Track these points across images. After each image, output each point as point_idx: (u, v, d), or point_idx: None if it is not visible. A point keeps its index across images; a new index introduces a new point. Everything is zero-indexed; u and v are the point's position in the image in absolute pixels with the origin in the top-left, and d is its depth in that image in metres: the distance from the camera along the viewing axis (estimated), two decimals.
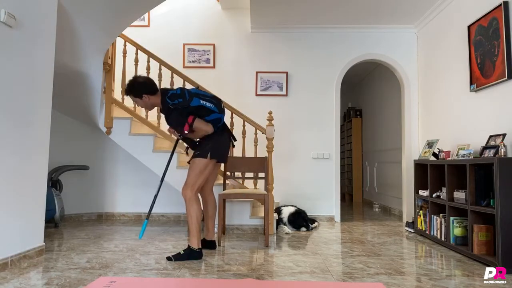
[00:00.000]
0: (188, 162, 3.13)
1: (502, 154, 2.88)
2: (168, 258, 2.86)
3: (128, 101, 4.59)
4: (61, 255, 2.96)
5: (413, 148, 5.02)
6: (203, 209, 3.27)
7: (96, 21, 3.49)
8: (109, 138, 4.35)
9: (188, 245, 2.94)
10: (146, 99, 2.96)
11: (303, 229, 4.21)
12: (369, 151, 7.64)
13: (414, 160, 4.18)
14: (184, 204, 3.03)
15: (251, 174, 4.26)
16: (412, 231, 4.18)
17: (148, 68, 4.46)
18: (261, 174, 4.05)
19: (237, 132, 4.44)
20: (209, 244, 3.24)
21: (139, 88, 2.92)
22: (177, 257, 2.86)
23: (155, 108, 4.44)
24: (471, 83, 3.69)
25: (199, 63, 5.34)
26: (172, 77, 4.46)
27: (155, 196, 3.18)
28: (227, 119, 4.93)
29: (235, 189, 4.14)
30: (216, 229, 3.61)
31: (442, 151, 3.76)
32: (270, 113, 4.19)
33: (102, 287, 2.18)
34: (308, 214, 4.79)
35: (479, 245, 2.98)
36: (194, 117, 2.96)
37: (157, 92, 2.98)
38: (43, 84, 2.95)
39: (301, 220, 4.27)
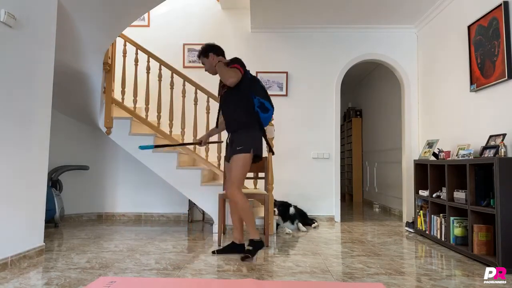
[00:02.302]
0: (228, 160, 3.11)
1: (502, 154, 2.88)
2: (246, 258, 2.86)
3: (128, 101, 4.60)
4: (61, 255, 2.96)
5: (413, 148, 5.02)
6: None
7: (96, 21, 3.49)
8: (109, 138, 4.35)
9: (251, 239, 2.96)
10: (211, 58, 3.09)
11: (289, 226, 4.23)
12: (369, 151, 7.64)
13: (414, 160, 4.18)
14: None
15: (251, 174, 4.26)
16: (412, 231, 4.18)
17: (148, 68, 4.46)
18: (261, 174, 4.05)
19: None
20: (238, 248, 3.12)
21: (208, 48, 3.13)
22: (253, 253, 2.90)
23: (154, 109, 4.48)
24: (471, 83, 3.69)
25: (199, 63, 5.31)
26: (172, 77, 4.46)
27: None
28: None
29: None
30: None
31: (442, 151, 3.76)
32: None
33: (102, 287, 2.18)
34: (308, 214, 4.81)
35: (479, 245, 2.97)
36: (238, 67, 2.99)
37: (223, 55, 3.16)
38: (43, 84, 2.95)
39: (286, 210, 4.28)
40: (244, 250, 3.04)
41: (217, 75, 3.10)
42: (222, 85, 3.17)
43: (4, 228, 2.55)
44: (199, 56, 3.18)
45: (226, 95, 3.09)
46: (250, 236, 3.00)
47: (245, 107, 2.98)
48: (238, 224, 3.14)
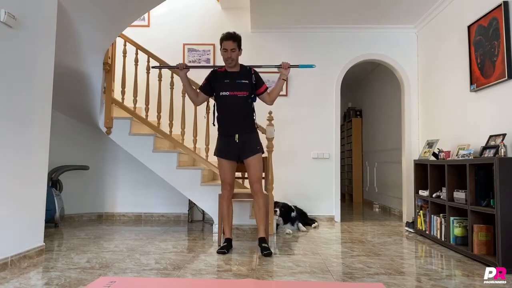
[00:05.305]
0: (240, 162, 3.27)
1: (502, 154, 2.88)
2: (269, 254, 3.01)
3: (128, 101, 4.60)
4: (61, 255, 2.96)
5: (413, 148, 5.02)
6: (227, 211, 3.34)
7: (96, 21, 3.49)
8: (109, 138, 4.35)
9: (264, 237, 3.18)
10: (239, 52, 3.26)
11: (289, 227, 4.23)
12: (369, 151, 7.64)
13: (414, 160, 4.18)
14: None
15: None
16: (412, 231, 4.18)
17: (148, 68, 4.46)
18: None
19: None
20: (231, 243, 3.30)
21: (241, 41, 3.26)
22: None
23: (154, 109, 4.48)
24: (471, 83, 3.69)
25: (199, 63, 5.34)
26: (172, 77, 4.46)
27: None
28: None
29: (235, 189, 4.13)
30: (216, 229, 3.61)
31: (442, 151, 3.76)
32: (270, 113, 4.19)
33: (102, 287, 2.18)
34: (308, 214, 4.81)
35: (479, 245, 2.98)
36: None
37: None
38: (43, 84, 2.95)
39: (288, 214, 4.29)
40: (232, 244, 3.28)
41: (231, 66, 3.23)
42: (222, 78, 3.24)
43: (4, 228, 2.55)
44: (233, 39, 3.22)
45: (233, 94, 3.16)
46: (263, 234, 3.21)
47: (253, 111, 3.27)
48: (231, 221, 3.34)
